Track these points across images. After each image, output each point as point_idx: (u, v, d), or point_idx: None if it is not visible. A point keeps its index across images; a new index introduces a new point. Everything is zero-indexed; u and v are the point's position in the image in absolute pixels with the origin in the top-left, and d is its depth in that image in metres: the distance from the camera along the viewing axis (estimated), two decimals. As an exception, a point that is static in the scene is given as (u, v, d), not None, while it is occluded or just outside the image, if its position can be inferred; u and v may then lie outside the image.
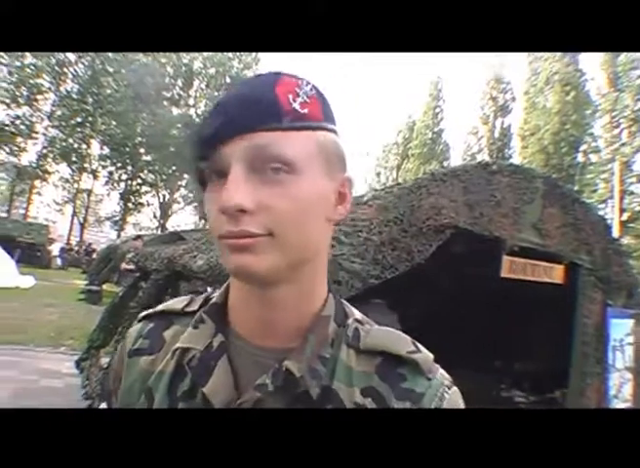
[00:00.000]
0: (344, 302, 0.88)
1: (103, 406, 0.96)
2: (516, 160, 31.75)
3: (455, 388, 0.81)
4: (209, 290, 2.72)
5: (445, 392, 0.79)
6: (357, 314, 0.88)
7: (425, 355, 0.81)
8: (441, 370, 0.82)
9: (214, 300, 0.88)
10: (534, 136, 32.11)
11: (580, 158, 32.21)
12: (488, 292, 4.89)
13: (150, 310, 0.95)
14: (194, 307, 0.90)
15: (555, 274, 4.50)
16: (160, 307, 0.94)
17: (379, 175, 45.92)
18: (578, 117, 31.05)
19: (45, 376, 7.47)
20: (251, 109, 0.71)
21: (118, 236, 36.88)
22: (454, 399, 0.80)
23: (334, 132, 0.80)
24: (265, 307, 0.78)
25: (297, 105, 0.73)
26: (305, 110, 0.74)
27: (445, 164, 37.48)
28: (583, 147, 32.00)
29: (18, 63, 34.19)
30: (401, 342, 0.82)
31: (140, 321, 0.94)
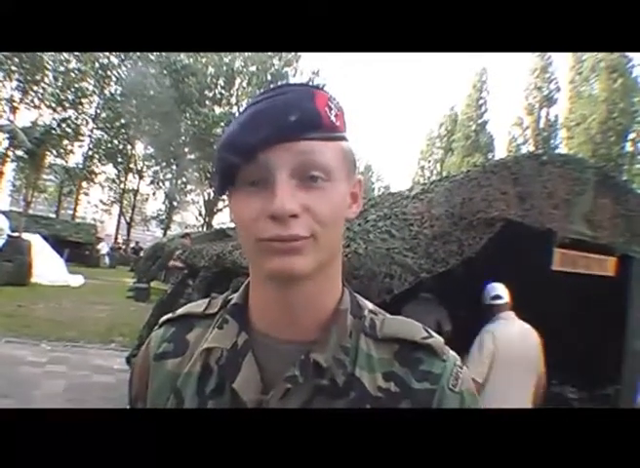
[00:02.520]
0: (357, 296, 0.93)
1: None
2: (562, 151, 31.04)
3: (465, 367, 0.88)
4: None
5: (459, 371, 0.85)
6: (370, 305, 0.93)
7: (437, 339, 0.87)
8: (452, 352, 0.88)
9: (234, 301, 0.92)
10: (580, 126, 31.40)
11: (629, 147, 31.40)
12: (538, 284, 4.82)
13: (170, 315, 0.99)
14: (214, 309, 0.94)
15: (607, 266, 4.41)
16: (180, 311, 0.98)
17: (422, 168, 45.57)
18: (626, 105, 30.26)
19: (97, 372, 7.64)
20: (295, 120, 0.76)
21: (164, 234, 37.50)
22: (466, 377, 0.86)
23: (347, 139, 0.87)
24: (288, 304, 0.83)
25: (332, 118, 0.80)
26: (338, 122, 0.81)
27: (489, 156, 36.99)
28: (632, 136, 31.18)
29: (62, 68, 35.03)
30: (414, 329, 0.88)
31: (160, 326, 0.98)
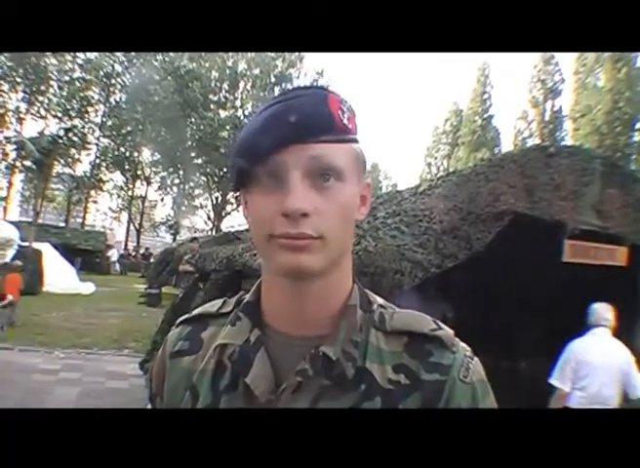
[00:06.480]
0: (367, 291, 0.95)
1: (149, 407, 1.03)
2: (569, 143, 30.83)
3: (476, 358, 0.88)
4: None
5: (469, 362, 0.86)
6: (380, 300, 0.95)
7: (446, 331, 0.88)
8: (462, 344, 0.89)
9: (247, 299, 0.95)
10: (585, 117, 31.22)
11: (637, 137, 31.18)
12: (550, 275, 4.81)
13: (187, 315, 1.03)
14: (228, 308, 0.98)
15: (618, 256, 4.39)
16: (196, 311, 1.02)
17: (429, 165, 45.43)
18: (631, 94, 30.05)
19: (110, 378, 7.69)
20: (309, 122, 0.79)
21: (173, 240, 37.56)
22: (477, 368, 0.87)
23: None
24: (298, 300, 0.86)
25: (345, 121, 0.82)
26: (350, 125, 0.84)
27: (496, 151, 36.79)
28: (639, 125, 30.96)
29: (67, 78, 35.14)
30: (424, 322, 0.89)
31: (177, 326, 1.02)
